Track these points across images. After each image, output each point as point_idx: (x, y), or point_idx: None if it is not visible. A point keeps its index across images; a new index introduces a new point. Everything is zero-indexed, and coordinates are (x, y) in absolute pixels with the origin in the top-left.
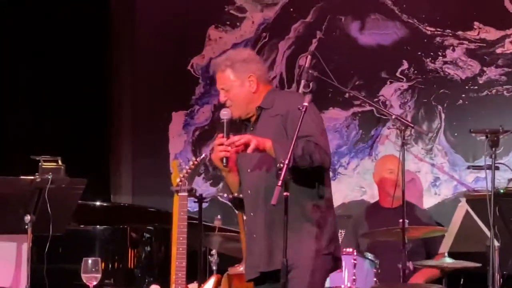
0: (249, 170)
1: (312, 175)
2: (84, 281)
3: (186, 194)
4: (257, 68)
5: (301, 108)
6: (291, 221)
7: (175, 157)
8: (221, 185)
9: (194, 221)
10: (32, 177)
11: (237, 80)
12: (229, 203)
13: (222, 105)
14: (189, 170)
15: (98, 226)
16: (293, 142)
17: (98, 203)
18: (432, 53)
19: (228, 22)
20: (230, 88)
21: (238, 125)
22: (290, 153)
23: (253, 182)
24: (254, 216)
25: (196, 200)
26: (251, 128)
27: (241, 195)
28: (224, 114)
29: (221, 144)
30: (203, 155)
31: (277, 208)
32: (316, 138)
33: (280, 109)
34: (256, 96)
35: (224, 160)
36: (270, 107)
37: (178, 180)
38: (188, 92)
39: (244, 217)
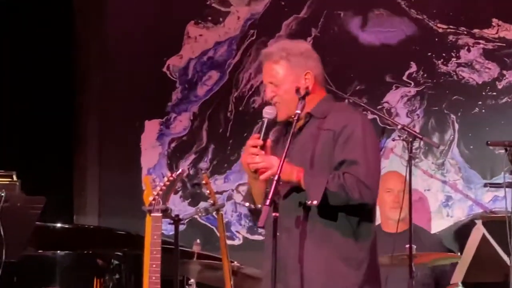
0: (280, 183)
1: (347, 209)
2: None
3: (160, 214)
4: (315, 66)
5: (293, 116)
6: (318, 255)
7: (148, 172)
8: (242, 192)
9: (170, 246)
10: None
11: (292, 75)
12: (249, 214)
13: (202, 114)
14: (164, 187)
15: (59, 252)
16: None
17: (59, 225)
18: (444, 54)
19: (209, 18)
20: (281, 83)
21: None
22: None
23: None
24: (280, 236)
25: (172, 221)
26: (293, 137)
27: None
28: (268, 113)
29: (255, 146)
30: (180, 169)
31: (310, 234)
32: (361, 167)
33: (334, 123)
34: (309, 99)
35: None
36: (322, 117)
37: (151, 198)
38: (163, 97)
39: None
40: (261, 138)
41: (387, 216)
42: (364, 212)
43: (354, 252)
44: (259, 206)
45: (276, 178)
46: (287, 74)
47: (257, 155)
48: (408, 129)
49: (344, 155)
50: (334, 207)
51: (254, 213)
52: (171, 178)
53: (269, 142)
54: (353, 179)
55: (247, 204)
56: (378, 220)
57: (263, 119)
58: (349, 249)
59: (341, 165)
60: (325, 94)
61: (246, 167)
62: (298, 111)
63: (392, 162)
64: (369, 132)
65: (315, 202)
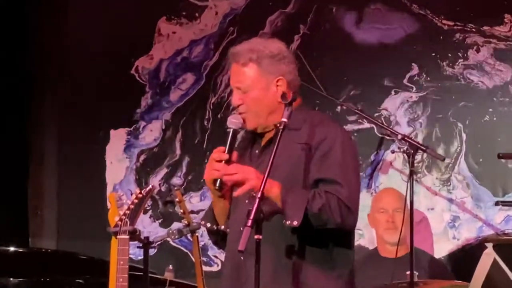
0: (247, 201)
1: (323, 233)
2: None
3: (127, 237)
4: (289, 71)
5: (278, 125)
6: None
7: (114, 188)
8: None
9: (138, 273)
10: None
11: (262, 80)
12: (209, 234)
13: (175, 122)
14: (131, 206)
15: (11, 278)
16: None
17: (12, 249)
18: (450, 55)
19: (183, 13)
20: (249, 89)
21: (250, 139)
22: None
23: (242, 218)
24: (244, 262)
25: (141, 245)
26: (262, 149)
27: (228, 230)
28: (233, 122)
29: (220, 161)
30: (151, 186)
31: (279, 258)
32: (343, 188)
33: (310, 137)
34: (281, 108)
35: (218, 182)
36: (296, 129)
37: (117, 218)
38: (131, 103)
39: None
40: (226, 151)
41: (383, 239)
42: (342, 237)
43: (330, 285)
44: (222, 227)
45: (259, 194)
46: (256, 80)
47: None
48: (409, 140)
49: (322, 174)
50: (309, 230)
51: (215, 234)
52: (140, 196)
53: (235, 155)
54: (335, 200)
55: (208, 224)
56: (374, 244)
57: (228, 129)
58: (323, 282)
59: (317, 184)
60: (299, 101)
61: (209, 183)
62: (285, 120)
63: (391, 177)
64: (349, 147)
65: (295, 223)
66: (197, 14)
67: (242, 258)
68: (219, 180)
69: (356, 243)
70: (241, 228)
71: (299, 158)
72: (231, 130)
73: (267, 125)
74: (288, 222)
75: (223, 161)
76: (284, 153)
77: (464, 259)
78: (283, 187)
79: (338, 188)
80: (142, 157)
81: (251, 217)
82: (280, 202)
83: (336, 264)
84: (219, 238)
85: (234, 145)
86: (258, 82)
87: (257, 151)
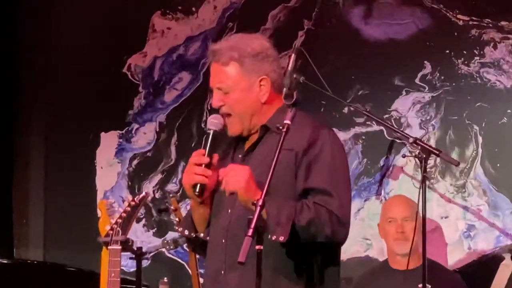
0: (229, 210)
1: (310, 248)
2: None
3: (119, 247)
4: (273, 69)
5: (280, 127)
6: None
7: (105, 195)
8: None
9: (131, 286)
10: None
11: (244, 81)
12: (187, 242)
13: (171, 125)
14: (123, 214)
15: None
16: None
17: None
18: (465, 52)
19: (179, 7)
20: (230, 90)
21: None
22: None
23: (232, 227)
24: (224, 276)
25: (134, 256)
26: (246, 154)
27: (208, 238)
28: (213, 123)
29: (200, 165)
30: (144, 192)
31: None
32: (333, 199)
33: (297, 141)
34: (265, 109)
35: (198, 187)
36: (281, 133)
37: (108, 227)
38: (123, 104)
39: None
40: (207, 154)
41: (393, 250)
42: (330, 251)
43: None
44: (201, 235)
45: (260, 202)
46: (238, 80)
47: (204, 175)
48: (422, 143)
49: (310, 183)
50: (293, 245)
51: (193, 242)
52: (132, 203)
53: (216, 158)
54: (325, 212)
55: (186, 232)
56: (384, 255)
57: (208, 130)
58: None
59: (306, 193)
60: (282, 103)
61: (188, 188)
62: (288, 122)
63: (402, 183)
64: (339, 153)
65: (281, 239)
66: (194, 9)
67: (222, 272)
68: (199, 184)
69: (364, 254)
70: (223, 240)
71: (286, 165)
72: (211, 131)
73: (251, 128)
74: (273, 238)
75: (203, 165)
76: (269, 158)
77: (480, 271)
78: (269, 199)
79: (328, 199)
80: (134, 162)
81: (252, 226)
82: (265, 214)
83: (323, 282)
84: (198, 246)
85: (215, 147)
86: (240, 83)
87: (240, 156)
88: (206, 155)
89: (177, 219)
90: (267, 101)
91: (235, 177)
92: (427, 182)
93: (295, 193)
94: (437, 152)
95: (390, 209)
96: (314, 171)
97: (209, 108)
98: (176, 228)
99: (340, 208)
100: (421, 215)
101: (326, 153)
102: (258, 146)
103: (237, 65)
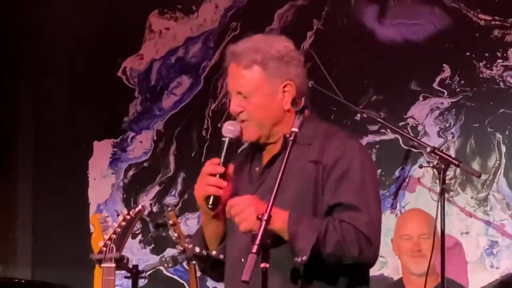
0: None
1: (336, 268)
2: None
3: (113, 265)
4: (297, 74)
5: (288, 136)
6: None
7: (98, 209)
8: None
9: None
10: None
11: (267, 85)
12: (196, 260)
13: (169, 133)
14: (118, 230)
15: None
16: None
17: None
18: (487, 54)
19: (179, 6)
20: (252, 95)
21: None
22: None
23: (244, 247)
24: None
25: (129, 274)
26: (265, 167)
27: (221, 256)
28: (229, 130)
29: (214, 175)
30: (140, 206)
31: None
32: (362, 215)
33: (324, 154)
34: (288, 117)
35: (211, 200)
36: (305, 144)
37: (101, 244)
38: (117, 111)
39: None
40: (221, 163)
41: (409, 269)
42: (358, 272)
43: None
44: (214, 252)
45: (265, 217)
46: (260, 85)
47: (218, 186)
48: (440, 153)
49: (339, 197)
50: (318, 266)
51: (204, 261)
52: (128, 217)
53: (231, 168)
54: (352, 231)
55: (197, 249)
56: (399, 274)
57: (223, 138)
58: None
59: (332, 209)
60: (308, 111)
61: (200, 200)
62: (295, 129)
63: (419, 196)
64: (369, 167)
65: (304, 258)
66: (194, 8)
67: None
68: (212, 197)
69: (378, 272)
70: (242, 260)
71: (310, 179)
72: (227, 139)
73: (272, 136)
74: (298, 260)
75: (218, 175)
76: (292, 171)
77: None
78: (291, 216)
79: (355, 215)
80: (130, 173)
81: (257, 242)
82: (288, 235)
83: None
84: (208, 265)
85: (230, 157)
86: (262, 87)
87: (257, 169)
88: (220, 164)
89: (176, 234)
90: (291, 108)
91: (244, 214)
92: (446, 195)
93: (321, 210)
94: (457, 163)
95: (405, 226)
96: (342, 187)
97: (210, 115)
98: (186, 245)
99: (369, 226)
100: (439, 230)
101: (356, 168)
102: (279, 159)
103: (260, 68)
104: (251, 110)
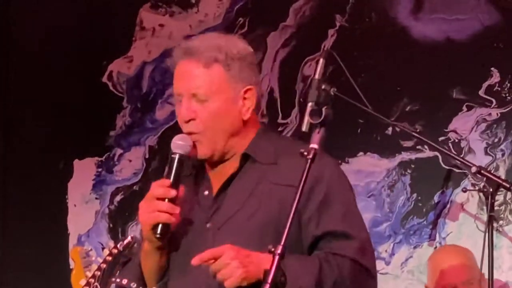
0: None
1: None
2: None
3: None
4: (257, 81)
5: (305, 153)
6: None
7: (79, 241)
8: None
9: None
10: None
11: (228, 89)
12: None
13: (163, 149)
14: (103, 266)
15: None
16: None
17: None
18: None
19: None
20: (210, 99)
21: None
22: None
23: (203, 284)
24: None
25: None
26: (220, 190)
27: None
28: (178, 145)
29: (163, 199)
30: (129, 237)
31: None
32: (352, 240)
33: (295, 174)
34: (245, 132)
35: (160, 228)
36: (269, 163)
37: (83, 282)
38: (102, 123)
39: None
40: (171, 183)
41: None
42: None
43: None
44: None
45: (279, 250)
46: (221, 87)
47: (169, 213)
48: (488, 174)
49: (324, 227)
50: None
51: None
52: (114, 251)
53: (182, 191)
54: (348, 264)
55: (133, 284)
56: None
57: (173, 155)
58: None
59: (318, 240)
60: (259, 126)
61: (147, 229)
62: (315, 146)
63: (462, 226)
64: (347, 183)
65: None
66: (193, 0)
67: None
68: (160, 225)
69: None
70: None
71: (284, 206)
72: (177, 155)
73: (226, 153)
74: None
75: (166, 199)
76: (260, 197)
77: None
78: (287, 255)
79: (347, 244)
80: (117, 198)
81: (269, 280)
82: (289, 277)
83: None
84: None
85: (180, 177)
86: (223, 91)
87: (206, 192)
88: (171, 186)
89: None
90: (249, 119)
91: (228, 270)
92: (495, 224)
93: (303, 241)
94: (508, 186)
95: (444, 274)
96: (327, 213)
97: None
98: (113, 279)
99: (364, 253)
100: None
101: (336, 190)
102: (236, 181)
103: (222, 68)
104: (205, 118)
